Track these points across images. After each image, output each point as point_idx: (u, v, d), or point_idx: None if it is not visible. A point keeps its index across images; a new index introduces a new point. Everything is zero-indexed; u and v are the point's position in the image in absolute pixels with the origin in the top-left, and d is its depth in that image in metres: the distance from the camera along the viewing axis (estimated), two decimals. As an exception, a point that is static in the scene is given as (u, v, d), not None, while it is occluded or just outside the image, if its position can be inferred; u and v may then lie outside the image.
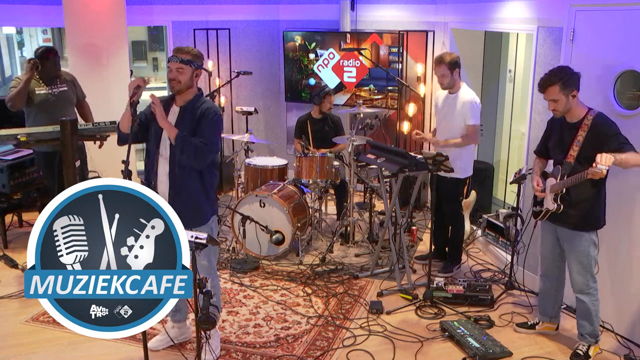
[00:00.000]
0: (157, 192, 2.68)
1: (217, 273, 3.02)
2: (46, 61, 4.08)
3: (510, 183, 3.62)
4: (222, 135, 5.26)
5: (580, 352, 2.95)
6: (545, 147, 3.01)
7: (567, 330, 3.22)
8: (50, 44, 6.91)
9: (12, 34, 6.86)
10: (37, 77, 4.12)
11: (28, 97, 4.10)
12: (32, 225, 4.91)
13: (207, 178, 2.77)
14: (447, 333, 3.16)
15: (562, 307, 3.36)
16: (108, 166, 4.64)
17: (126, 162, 2.58)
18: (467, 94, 3.73)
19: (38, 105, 4.12)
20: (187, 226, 2.68)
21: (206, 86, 5.71)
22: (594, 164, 2.51)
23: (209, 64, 5.67)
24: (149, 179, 2.77)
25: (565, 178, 2.78)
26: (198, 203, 2.75)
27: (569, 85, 2.71)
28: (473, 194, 4.47)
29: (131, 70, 5.28)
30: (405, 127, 5.20)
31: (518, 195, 3.67)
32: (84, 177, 4.46)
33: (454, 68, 3.67)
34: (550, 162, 3.04)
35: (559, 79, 2.70)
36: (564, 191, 2.78)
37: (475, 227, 4.50)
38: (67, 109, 4.18)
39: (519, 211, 3.69)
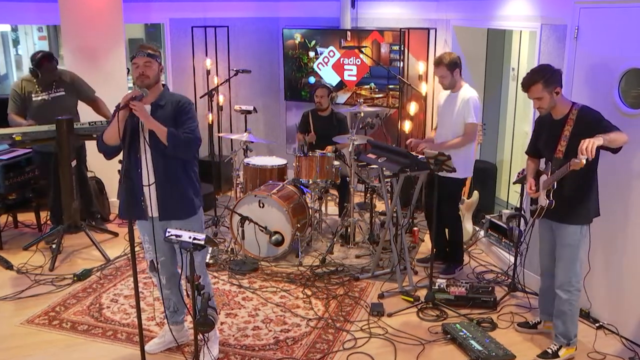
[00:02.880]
0: (142, 190, 2.70)
1: (206, 271, 3.04)
2: (41, 68, 4.07)
3: (514, 183, 3.59)
4: (221, 134, 5.28)
5: (549, 351, 2.95)
6: (536, 147, 3.03)
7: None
8: (46, 42, 6.86)
9: (7, 31, 6.80)
10: (35, 82, 4.11)
11: (25, 103, 4.11)
12: (27, 226, 4.93)
13: (190, 168, 2.79)
14: (449, 336, 3.13)
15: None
16: (105, 166, 4.59)
17: (123, 162, 2.55)
18: (468, 92, 3.69)
19: (35, 110, 4.11)
20: (177, 218, 2.73)
21: (204, 85, 5.66)
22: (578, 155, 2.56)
23: (207, 62, 5.62)
24: (132, 178, 2.71)
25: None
26: (185, 193, 2.76)
27: (551, 83, 2.74)
28: (475, 194, 4.44)
29: (128, 69, 5.22)
30: (407, 126, 5.16)
31: (521, 195, 3.64)
32: (82, 176, 4.43)
33: (454, 68, 3.63)
34: (543, 160, 3.05)
35: (541, 77, 2.74)
36: (554, 186, 2.79)
37: (477, 228, 4.46)
38: (64, 114, 4.12)
39: (522, 212, 3.65)
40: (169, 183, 2.72)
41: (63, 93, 4.19)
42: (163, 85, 2.79)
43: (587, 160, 2.54)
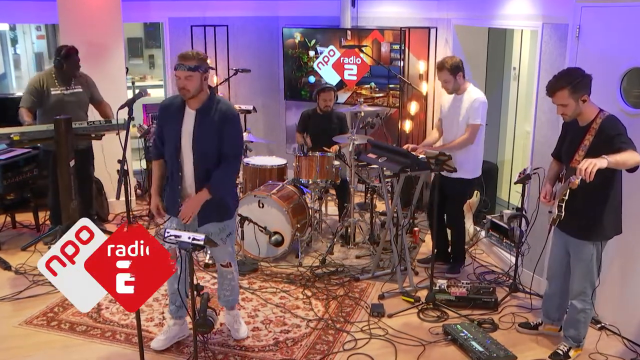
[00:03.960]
0: (182, 194, 2.82)
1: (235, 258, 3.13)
2: (68, 59, 4.09)
3: (515, 183, 3.56)
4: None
5: (560, 352, 2.96)
6: (561, 151, 2.91)
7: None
8: (45, 41, 6.83)
9: (5, 30, 6.76)
10: (54, 76, 4.12)
11: (42, 97, 4.10)
12: (25, 227, 4.91)
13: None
14: (450, 336, 3.11)
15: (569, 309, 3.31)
16: (104, 165, 4.57)
17: (122, 162, 2.54)
18: (474, 93, 3.66)
19: (52, 105, 4.09)
20: (213, 221, 2.83)
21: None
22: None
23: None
24: (175, 182, 2.82)
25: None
26: (224, 203, 2.84)
27: (579, 90, 2.58)
28: (477, 194, 4.41)
29: (127, 68, 5.20)
30: (407, 125, 5.13)
31: (522, 195, 3.61)
32: (88, 178, 4.42)
33: (457, 72, 3.61)
34: None
35: (568, 83, 2.58)
36: (566, 197, 2.66)
37: (478, 228, 4.44)
38: (79, 110, 4.17)
39: (524, 212, 3.62)
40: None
41: (80, 90, 4.23)
42: (210, 87, 2.77)
43: (582, 181, 2.41)
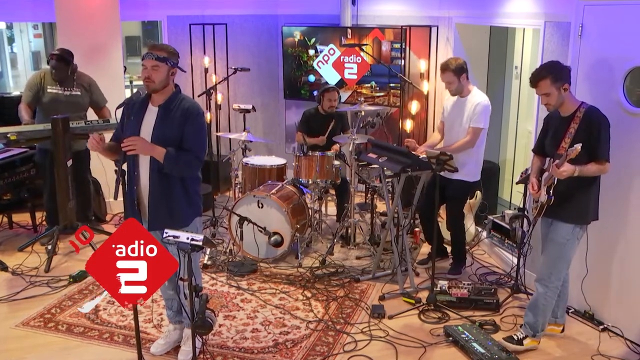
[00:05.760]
0: (138, 195, 2.69)
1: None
2: (50, 64, 4.07)
3: (517, 183, 3.56)
4: (219, 134, 5.21)
5: (515, 337, 2.99)
6: (542, 145, 3.01)
7: (574, 334, 3.16)
8: (42, 40, 6.80)
9: (2, 29, 6.74)
10: (53, 75, 4.10)
11: (39, 94, 4.08)
12: (22, 227, 4.88)
13: (189, 184, 2.72)
14: (451, 338, 3.09)
15: (570, 310, 3.32)
16: (101, 167, 4.54)
17: (120, 162, 2.52)
18: (478, 96, 3.64)
19: (47, 103, 4.07)
20: (164, 227, 2.60)
21: (202, 83, 5.61)
22: (555, 164, 2.68)
23: (205, 60, 5.57)
24: (131, 182, 2.70)
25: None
26: (178, 208, 2.70)
27: (559, 79, 2.75)
28: (478, 194, 4.39)
29: (125, 67, 5.17)
30: (408, 125, 5.10)
31: (524, 195, 3.59)
32: (84, 182, 4.39)
33: (461, 73, 3.59)
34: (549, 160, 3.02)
35: (549, 73, 2.75)
36: (555, 182, 2.79)
37: (480, 229, 4.41)
38: (75, 112, 4.12)
39: (526, 212, 3.60)
40: (161, 190, 2.66)
41: (78, 93, 4.18)
42: (176, 85, 2.70)
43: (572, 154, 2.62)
